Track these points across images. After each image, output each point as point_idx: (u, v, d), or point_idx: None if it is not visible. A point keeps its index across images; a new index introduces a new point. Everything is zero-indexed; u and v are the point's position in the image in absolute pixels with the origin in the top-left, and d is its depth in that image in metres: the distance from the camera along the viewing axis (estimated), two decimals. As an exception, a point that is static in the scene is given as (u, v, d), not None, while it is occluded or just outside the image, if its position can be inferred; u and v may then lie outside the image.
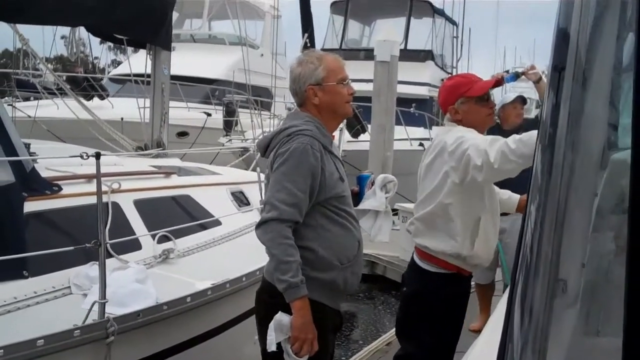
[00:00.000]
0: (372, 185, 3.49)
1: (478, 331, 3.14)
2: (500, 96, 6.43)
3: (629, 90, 0.90)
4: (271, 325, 2.98)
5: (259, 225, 2.98)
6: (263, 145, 3.24)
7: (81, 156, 3.69)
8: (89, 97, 12.59)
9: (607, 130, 1.29)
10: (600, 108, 1.22)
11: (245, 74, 8.29)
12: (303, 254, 3.00)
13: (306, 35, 7.78)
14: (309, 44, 7.85)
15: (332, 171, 3.12)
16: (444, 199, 3.54)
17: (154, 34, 6.32)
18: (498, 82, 4.44)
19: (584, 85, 1.19)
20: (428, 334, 3.73)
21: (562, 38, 1.26)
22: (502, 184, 3.95)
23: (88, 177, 4.46)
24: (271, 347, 2.97)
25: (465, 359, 2.62)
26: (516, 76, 5.72)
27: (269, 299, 3.15)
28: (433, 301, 3.70)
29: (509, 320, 1.40)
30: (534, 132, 2.98)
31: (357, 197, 3.48)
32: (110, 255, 4.11)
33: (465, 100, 3.68)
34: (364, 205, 3.47)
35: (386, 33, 12.24)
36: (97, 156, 3.64)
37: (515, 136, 3.24)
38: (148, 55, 6.48)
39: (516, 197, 3.99)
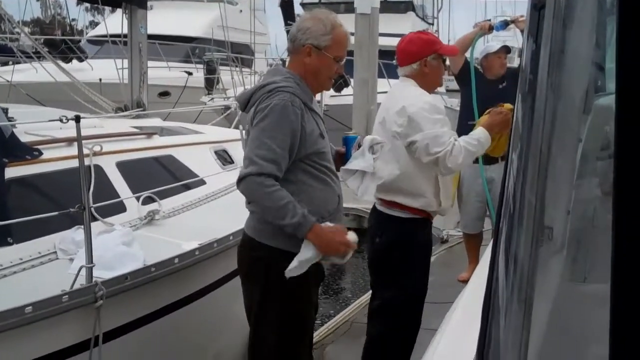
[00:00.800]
0: (359, 147, 3.49)
1: (467, 281, 3.17)
2: (483, 45, 6.37)
3: (612, 29, 0.87)
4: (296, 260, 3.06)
5: (239, 181, 3.01)
6: (243, 101, 3.26)
7: (60, 120, 3.64)
8: (67, 60, 12.41)
9: (590, 74, 1.26)
10: (582, 49, 1.18)
11: (224, 31, 8.18)
12: None
13: (285, -12, 7.65)
14: (287, -1, 7.73)
15: (313, 128, 3.13)
16: (403, 164, 3.74)
17: (130, -8, 6.20)
18: (490, 28, 4.67)
19: (565, 25, 1.15)
20: (408, 277, 3.89)
21: None
22: None
23: (69, 141, 4.39)
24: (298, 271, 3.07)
25: (453, 309, 2.63)
26: (505, 24, 5.70)
27: (250, 253, 3.25)
28: (411, 246, 3.88)
29: (493, 271, 1.39)
30: (469, 151, 3.61)
31: (343, 158, 3.49)
32: (95, 219, 4.07)
33: (437, 57, 3.89)
34: (352, 165, 3.48)
35: (366, -16, 12.08)
36: (77, 119, 3.58)
37: (455, 153, 3.57)
38: (124, 15, 6.36)
39: (481, 134, 3.82)
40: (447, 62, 5.67)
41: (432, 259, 7.63)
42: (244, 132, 5.78)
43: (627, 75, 0.76)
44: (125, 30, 6.47)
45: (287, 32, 8.07)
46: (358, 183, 3.52)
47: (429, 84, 3.92)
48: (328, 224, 3.12)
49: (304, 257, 3.05)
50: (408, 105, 3.67)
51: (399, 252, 3.87)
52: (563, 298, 1.18)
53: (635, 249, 0.75)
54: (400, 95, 3.85)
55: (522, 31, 5.75)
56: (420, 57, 3.84)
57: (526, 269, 1.17)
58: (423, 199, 3.83)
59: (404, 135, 3.68)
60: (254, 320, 3.32)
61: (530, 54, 1.27)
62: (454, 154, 3.59)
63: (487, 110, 4.08)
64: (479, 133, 3.80)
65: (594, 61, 1.25)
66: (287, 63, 3.48)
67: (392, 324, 3.96)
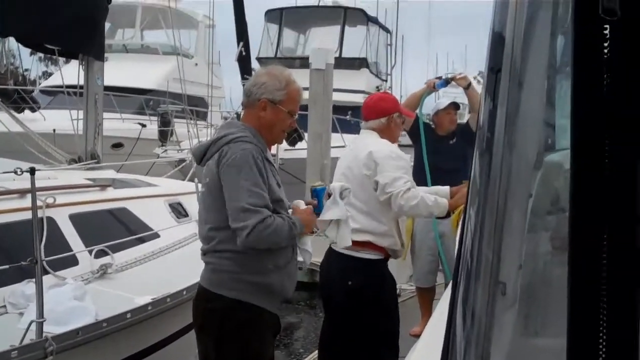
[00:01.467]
0: (329, 196, 3.57)
1: (419, 335, 3.19)
2: (434, 102, 6.51)
3: (564, 90, 0.91)
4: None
5: (248, 235, 2.99)
6: (199, 154, 3.31)
7: (15, 172, 3.59)
8: (19, 110, 12.27)
9: (542, 131, 1.31)
10: (536, 109, 1.22)
11: (182, 84, 8.22)
12: (243, 260, 3.12)
13: (241, 44, 7.73)
14: (244, 53, 7.80)
15: (270, 177, 3.19)
16: (373, 205, 3.97)
17: (87, 43, 6.20)
18: (434, 86, 5.08)
19: (520, 86, 1.19)
20: (385, 316, 4.06)
21: (497, 40, 1.27)
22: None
23: (21, 192, 4.34)
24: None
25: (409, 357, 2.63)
26: (446, 82, 5.88)
27: (205, 304, 3.24)
28: (385, 285, 4.09)
29: (450, 326, 1.41)
30: (425, 203, 3.87)
31: (316, 209, 3.51)
32: (47, 272, 4.00)
33: (400, 116, 4.32)
34: (328, 215, 3.54)
35: (321, 41, 12.31)
36: (32, 171, 3.54)
37: (409, 195, 3.85)
38: (80, 66, 6.35)
39: (443, 200, 4.06)
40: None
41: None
42: (199, 185, 5.79)
43: (580, 131, 0.80)
44: (82, 81, 6.45)
45: (244, 85, 8.18)
46: (335, 231, 3.63)
47: (390, 138, 4.22)
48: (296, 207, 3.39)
49: (306, 246, 3.36)
50: (375, 151, 3.96)
51: (373, 292, 3.98)
52: (517, 352, 1.20)
53: (590, 301, 0.78)
54: (367, 143, 4.09)
55: (464, 89, 5.95)
56: (389, 113, 4.21)
57: (483, 324, 1.19)
58: (391, 238, 4.06)
59: (372, 177, 3.93)
60: None
61: (488, 113, 1.31)
62: (408, 195, 3.86)
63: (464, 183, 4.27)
64: (441, 200, 4.03)
65: (545, 120, 1.30)
66: (241, 116, 3.55)
67: None
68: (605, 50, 0.77)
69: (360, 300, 3.97)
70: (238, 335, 3.13)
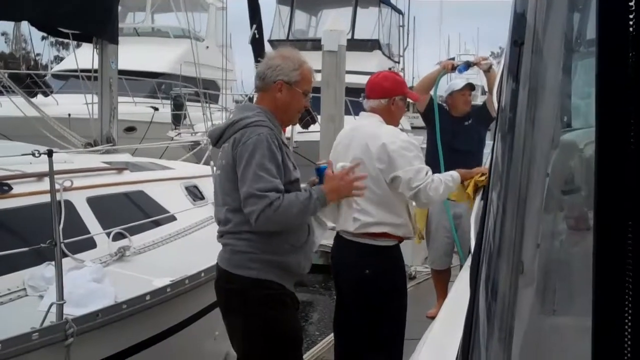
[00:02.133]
0: None
1: (435, 318, 3.20)
2: (446, 83, 6.47)
3: (584, 68, 0.89)
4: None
5: (257, 219, 3.07)
6: (215, 136, 3.38)
7: (33, 154, 3.60)
8: (32, 95, 12.30)
9: (566, 109, 1.29)
10: (559, 86, 1.22)
11: (196, 68, 8.20)
12: (258, 238, 3.21)
13: (254, 26, 7.70)
14: (257, 35, 7.77)
15: (286, 158, 3.26)
16: (386, 197, 3.90)
17: (100, 27, 6.19)
18: (453, 68, 4.97)
19: (543, 61, 1.18)
20: (399, 301, 4.11)
21: (520, 14, 1.25)
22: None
23: (39, 176, 4.35)
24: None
25: (421, 344, 2.63)
26: (468, 66, 5.81)
27: (225, 286, 3.35)
28: (400, 271, 4.15)
29: (473, 304, 1.40)
30: (447, 186, 3.87)
31: None
32: (65, 255, 4.01)
33: (403, 98, 4.18)
34: None
35: (333, 23, 12.21)
36: (50, 154, 3.54)
37: (436, 185, 3.81)
38: (95, 50, 6.34)
39: (455, 174, 4.07)
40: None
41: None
42: (214, 167, 5.79)
43: (605, 109, 0.78)
44: (96, 65, 6.45)
45: (257, 68, 8.16)
46: (335, 214, 3.73)
47: (392, 121, 4.12)
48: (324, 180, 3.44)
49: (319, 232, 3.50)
50: (388, 143, 3.83)
51: (389, 279, 4.01)
52: (536, 331, 1.20)
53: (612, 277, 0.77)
54: (375, 132, 3.94)
55: (484, 72, 5.88)
56: (390, 95, 4.06)
57: (507, 303, 1.19)
58: (406, 227, 4.05)
59: (386, 171, 3.83)
60: (242, 349, 3.40)
61: (510, 90, 1.30)
62: (434, 185, 3.80)
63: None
64: (451, 173, 4.03)
65: (567, 97, 1.28)
66: (254, 100, 3.56)
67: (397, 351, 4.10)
68: (631, 23, 0.75)
69: (376, 287, 3.97)
70: (262, 312, 3.24)
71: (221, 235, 3.36)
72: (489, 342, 1.28)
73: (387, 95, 4.05)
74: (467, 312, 1.47)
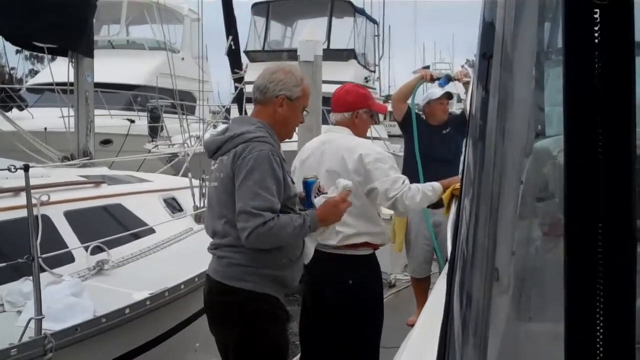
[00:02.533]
0: (319, 190, 3.59)
1: (415, 325, 3.24)
2: (422, 92, 6.49)
3: (556, 76, 0.92)
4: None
5: (248, 236, 3.05)
6: (212, 148, 3.36)
7: (9, 169, 3.58)
8: (7, 109, 12.20)
9: (535, 118, 1.32)
10: (528, 95, 1.24)
11: (172, 80, 8.18)
12: (258, 255, 3.18)
13: (231, 37, 7.71)
14: (233, 47, 7.78)
15: (286, 175, 3.26)
16: (365, 207, 3.93)
17: (76, 40, 6.16)
18: (432, 79, 5.04)
19: (512, 73, 1.20)
20: (379, 310, 4.14)
21: (488, 26, 1.26)
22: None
23: (15, 190, 4.33)
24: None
25: (402, 350, 2.65)
26: (449, 80, 5.85)
27: (221, 298, 3.31)
28: (380, 279, 4.22)
29: (448, 312, 1.42)
30: (425, 195, 3.87)
31: (304, 203, 3.54)
32: (43, 270, 3.99)
33: (368, 112, 4.14)
34: None
35: (309, 33, 12.24)
36: (26, 168, 3.53)
37: (412, 193, 3.82)
38: (70, 63, 6.31)
39: (437, 184, 4.06)
40: (390, 109, 5.82)
41: (380, 303, 7.69)
42: (194, 180, 5.79)
43: (573, 118, 0.80)
44: (72, 79, 6.41)
45: (234, 80, 8.18)
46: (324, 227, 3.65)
47: (358, 134, 4.11)
48: (323, 198, 3.40)
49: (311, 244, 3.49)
50: (365, 155, 3.84)
51: (370, 288, 4.08)
52: (512, 336, 1.21)
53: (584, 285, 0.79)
54: (350, 145, 3.94)
55: (464, 85, 5.91)
56: (353, 108, 4.05)
57: (481, 310, 1.20)
58: (384, 235, 4.16)
59: (363, 183, 3.84)
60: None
61: (480, 100, 1.32)
62: (410, 193, 3.82)
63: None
64: (432, 183, 4.03)
65: (538, 106, 1.30)
66: (251, 113, 3.56)
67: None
68: (596, 35, 0.77)
69: (359, 296, 3.98)
70: (258, 325, 3.24)
71: (215, 248, 3.34)
72: (464, 349, 1.29)
73: (350, 108, 4.04)
74: (442, 319, 1.49)
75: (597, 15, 0.76)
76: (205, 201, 4.64)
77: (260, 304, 3.24)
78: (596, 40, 0.77)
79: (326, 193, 3.53)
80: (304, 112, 3.45)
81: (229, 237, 3.22)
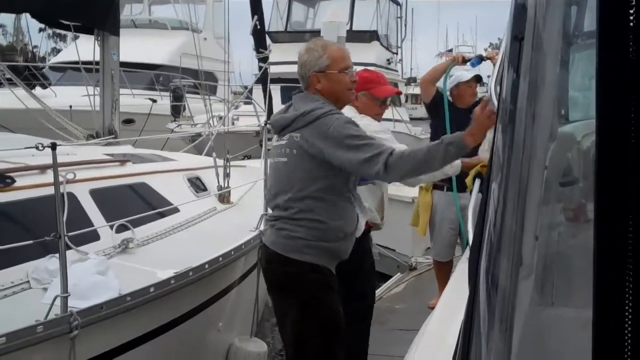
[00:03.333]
0: None
1: (436, 308, 3.27)
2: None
3: (589, 59, 0.89)
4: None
5: (386, 170, 3.17)
6: (280, 125, 3.53)
7: (37, 147, 3.57)
8: (31, 87, 12.26)
9: (566, 102, 1.30)
10: (560, 78, 1.22)
11: (198, 60, 8.18)
12: (316, 226, 3.40)
13: (256, 17, 7.66)
14: (258, 26, 7.73)
15: None
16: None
17: (102, 18, 6.15)
18: (464, 60, 5.06)
19: (544, 55, 1.18)
20: (372, 280, 4.65)
21: (520, 6, 1.25)
22: None
23: (41, 168, 4.33)
24: None
25: (422, 332, 2.64)
26: (481, 59, 5.79)
27: (280, 268, 3.52)
28: (367, 257, 4.50)
29: (474, 298, 1.40)
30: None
31: None
32: (69, 247, 3.99)
33: (368, 94, 4.41)
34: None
35: (332, 14, 12.21)
36: (53, 147, 3.52)
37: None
38: (96, 41, 6.30)
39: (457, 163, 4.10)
40: (416, 91, 5.78)
41: (402, 287, 7.70)
42: (218, 160, 5.78)
43: (606, 103, 0.78)
44: (97, 57, 6.41)
45: (258, 59, 8.12)
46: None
47: (369, 114, 4.38)
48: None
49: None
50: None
51: (368, 261, 4.44)
52: (535, 322, 1.20)
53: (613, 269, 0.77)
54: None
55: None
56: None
57: (507, 294, 1.19)
58: (370, 213, 4.31)
59: None
60: (293, 329, 3.58)
61: (511, 83, 1.30)
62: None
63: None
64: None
65: (570, 90, 1.28)
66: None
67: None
68: (632, 17, 0.74)
69: (350, 273, 4.04)
70: (316, 294, 3.48)
71: (276, 219, 3.53)
72: (489, 333, 1.28)
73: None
74: (467, 303, 1.47)
75: None
76: (266, 173, 4.77)
77: (317, 274, 3.44)
78: (631, 24, 0.74)
79: None
80: (347, 72, 3.50)
81: (291, 210, 3.42)
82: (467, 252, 3.05)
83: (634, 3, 0.74)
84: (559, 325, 1.18)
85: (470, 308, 1.43)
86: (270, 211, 3.79)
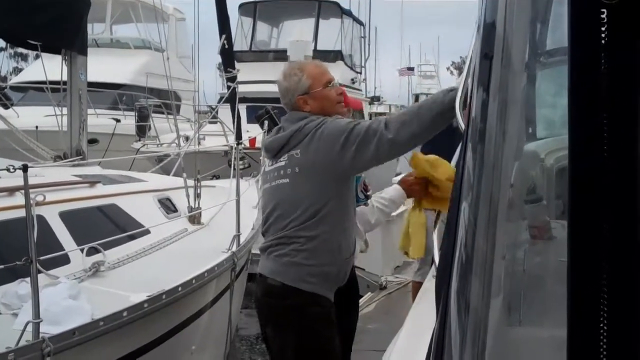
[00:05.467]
0: (365, 187, 3.70)
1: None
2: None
3: (561, 78, 0.90)
4: None
5: (389, 128, 3.08)
6: (277, 147, 3.38)
7: (8, 169, 3.50)
8: (-7, 107, 12.03)
9: (537, 120, 1.31)
10: (530, 97, 1.24)
11: (168, 80, 8.13)
12: (321, 248, 3.26)
13: (224, 37, 7.64)
14: (226, 46, 7.71)
15: None
16: None
17: (71, 38, 6.08)
18: None
19: (514, 74, 1.19)
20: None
21: (489, 26, 1.25)
22: None
23: (9, 190, 4.24)
24: None
25: (389, 352, 2.64)
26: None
27: (283, 302, 3.35)
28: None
29: (445, 317, 1.40)
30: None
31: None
32: (39, 272, 3.90)
33: None
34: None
35: (298, 33, 12.26)
36: (25, 168, 3.44)
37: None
38: (63, 61, 6.22)
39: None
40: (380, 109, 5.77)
41: (372, 306, 7.68)
42: (189, 181, 5.73)
43: (578, 121, 0.79)
44: (65, 77, 6.32)
45: (227, 79, 8.09)
46: None
47: None
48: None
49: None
50: None
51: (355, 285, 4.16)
52: (506, 342, 1.20)
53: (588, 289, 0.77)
54: None
55: None
56: None
57: (480, 315, 1.18)
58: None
59: None
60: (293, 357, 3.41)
61: (481, 102, 1.30)
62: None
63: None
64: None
65: (540, 107, 1.30)
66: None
67: None
68: (603, 36, 0.75)
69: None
70: (317, 329, 3.32)
71: (275, 245, 3.35)
72: (462, 353, 1.28)
73: None
74: (438, 323, 1.47)
75: (604, 15, 0.75)
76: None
77: (317, 307, 3.31)
78: (603, 41, 0.75)
79: (369, 190, 3.72)
80: (330, 86, 3.45)
81: (294, 232, 3.27)
82: (433, 270, 3.06)
83: (605, 21, 0.74)
84: (530, 345, 1.18)
85: (441, 329, 1.42)
86: (264, 238, 3.60)
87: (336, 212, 3.30)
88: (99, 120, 14.82)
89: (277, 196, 3.39)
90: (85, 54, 6.27)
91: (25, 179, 3.46)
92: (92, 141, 13.88)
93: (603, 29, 0.74)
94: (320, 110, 3.38)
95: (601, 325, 0.76)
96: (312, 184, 3.26)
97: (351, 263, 3.53)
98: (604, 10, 0.74)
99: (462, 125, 1.79)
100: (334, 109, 3.44)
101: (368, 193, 3.79)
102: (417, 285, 6.34)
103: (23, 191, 3.78)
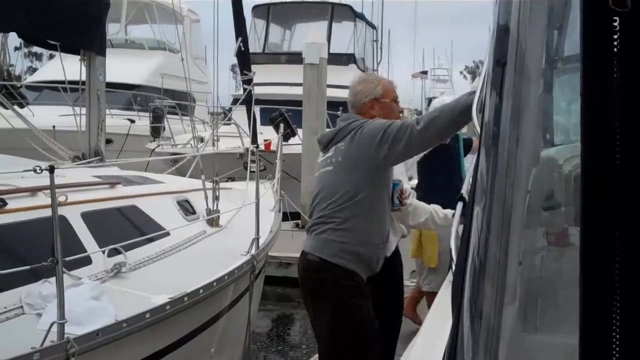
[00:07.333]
0: (401, 192, 4.01)
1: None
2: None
3: (574, 84, 0.90)
4: None
5: (419, 123, 3.49)
6: (326, 140, 3.87)
7: (35, 170, 3.51)
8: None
9: (551, 126, 1.30)
10: (543, 103, 1.23)
11: (187, 82, 8.14)
12: (355, 229, 3.66)
13: (240, 39, 7.65)
14: (242, 48, 7.72)
15: None
16: None
17: (89, 39, 6.09)
18: None
19: (527, 80, 1.19)
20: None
21: (502, 32, 1.25)
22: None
23: (33, 190, 4.25)
24: None
25: (406, 356, 2.64)
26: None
27: (317, 275, 3.75)
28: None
29: (458, 323, 1.39)
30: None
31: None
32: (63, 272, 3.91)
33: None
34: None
35: (313, 36, 12.24)
36: (51, 169, 3.45)
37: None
38: (82, 62, 6.23)
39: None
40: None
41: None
42: (207, 183, 5.71)
43: (591, 127, 0.79)
44: (84, 77, 6.33)
45: (242, 81, 8.10)
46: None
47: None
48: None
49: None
50: None
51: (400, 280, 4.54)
52: (519, 347, 1.20)
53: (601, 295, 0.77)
54: None
55: None
56: None
57: (492, 321, 1.18)
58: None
59: None
60: (326, 328, 3.77)
61: (494, 108, 1.30)
62: None
63: None
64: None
65: (553, 113, 1.29)
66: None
67: None
68: (615, 43, 0.75)
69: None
70: (348, 299, 3.68)
71: (317, 224, 3.76)
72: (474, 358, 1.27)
73: None
74: (452, 330, 1.47)
75: (616, 23, 0.75)
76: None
77: (351, 281, 3.67)
78: (615, 49, 0.75)
79: (408, 199, 4.07)
80: (397, 103, 3.95)
81: (332, 213, 3.67)
82: (450, 276, 3.06)
83: (618, 29, 0.75)
84: (543, 351, 1.17)
85: (455, 334, 1.42)
86: (310, 218, 3.96)
87: (369, 200, 3.66)
88: (113, 120, 14.86)
89: (322, 181, 3.82)
90: (104, 54, 6.28)
91: (52, 180, 3.46)
92: (107, 141, 13.96)
93: (615, 36, 0.75)
94: (382, 118, 3.75)
95: (614, 333, 0.76)
96: (351, 173, 3.66)
97: (383, 252, 3.87)
98: (617, 17, 0.75)
99: (478, 129, 1.80)
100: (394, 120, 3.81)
101: (405, 201, 4.06)
102: (431, 296, 6.33)
103: (45, 191, 3.80)
